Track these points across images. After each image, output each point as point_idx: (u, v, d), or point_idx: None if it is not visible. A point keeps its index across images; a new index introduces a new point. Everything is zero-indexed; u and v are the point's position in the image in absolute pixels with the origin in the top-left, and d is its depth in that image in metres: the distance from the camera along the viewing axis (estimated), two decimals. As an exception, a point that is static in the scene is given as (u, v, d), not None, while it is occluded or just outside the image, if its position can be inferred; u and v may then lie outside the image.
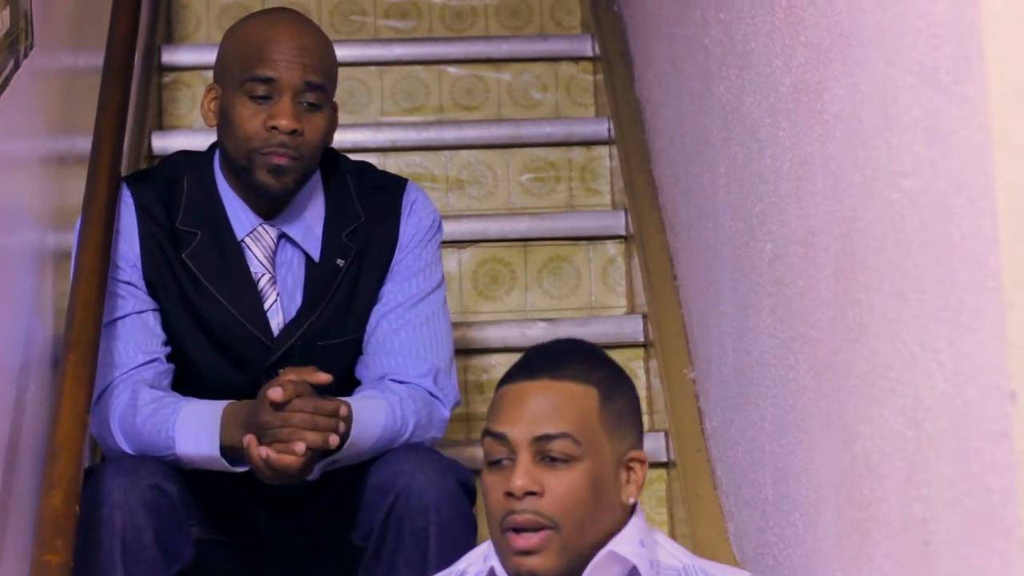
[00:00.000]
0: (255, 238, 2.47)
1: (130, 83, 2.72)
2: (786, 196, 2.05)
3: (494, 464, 1.90)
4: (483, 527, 2.46)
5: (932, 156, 1.48)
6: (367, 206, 2.52)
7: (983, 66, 1.35)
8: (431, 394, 2.45)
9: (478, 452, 2.81)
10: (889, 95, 1.59)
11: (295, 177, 2.42)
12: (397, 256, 2.51)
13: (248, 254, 2.47)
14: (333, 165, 2.55)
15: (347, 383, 2.46)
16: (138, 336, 2.42)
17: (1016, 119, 1.33)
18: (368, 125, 3.60)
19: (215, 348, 2.44)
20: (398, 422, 2.38)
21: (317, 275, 2.47)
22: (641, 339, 3.09)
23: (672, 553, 1.93)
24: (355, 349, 2.50)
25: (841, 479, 1.82)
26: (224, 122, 2.43)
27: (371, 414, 2.35)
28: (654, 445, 2.80)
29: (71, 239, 2.46)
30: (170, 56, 3.65)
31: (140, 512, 2.23)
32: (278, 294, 2.46)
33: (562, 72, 3.74)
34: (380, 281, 2.50)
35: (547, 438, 1.87)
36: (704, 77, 2.57)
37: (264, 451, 2.23)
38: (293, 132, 2.38)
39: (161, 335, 2.44)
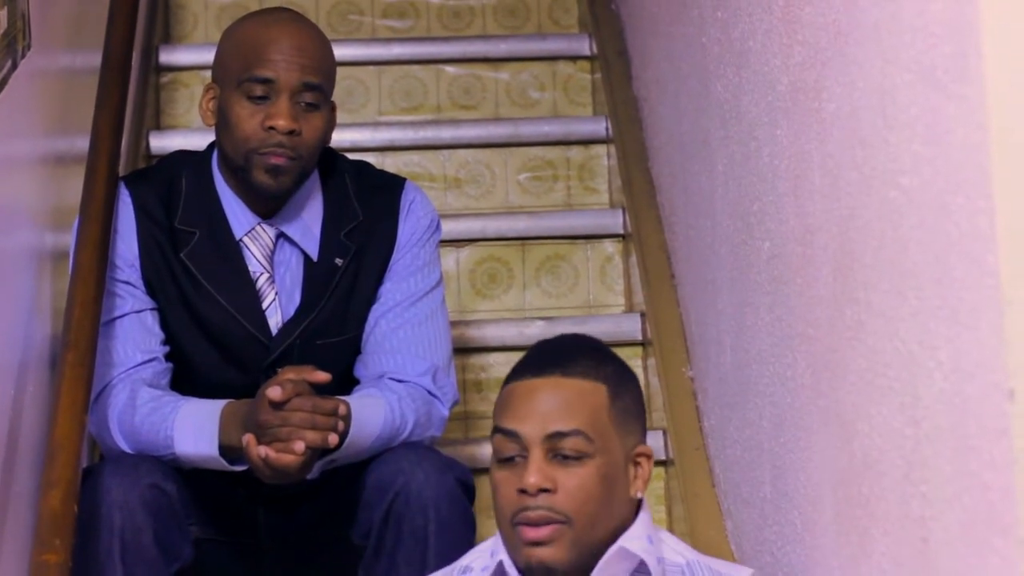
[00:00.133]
0: (253, 237, 2.47)
1: (128, 83, 2.72)
2: (784, 194, 2.05)
3: (505, 461, 1.91)
4: (482, 526, 2.46)
5: (930, 154, 1.48)
6: (365, 205, 2.52)
7: (981, 64, 1.35)
8: (430, 393, 2.45)
9: (477, 451, 2.83)
10: (887, 94, 1.59)
11: (293, 177, 2.42)
12: (395, 255, 2.51)
13: (246, 253, 2.47)
14: (331, 164, 2.55)
15: (346, 382, 2.46)
16: (136, 335, 2.42)
17: (1014, 117, 1.33)
18: (366, 124, 3.60)
19: (213, 347, 2.44)
20: (397, 421, 2.38)
21: (315, 274, 2.47)
22: (639, 338, 3.09)
23: (676, 549, 1.95)
24: (354, 348, 2.50)
25: (839, 477, 1.82)
26: (222, 122, 2.44)
27: (370, 413, 2.35)
28: (652, 444, 2.80)
29: (69, 239, 2.46)
30: (168, 56, 3.65)
31: (139, 511, 2.23)
32: (276, 293, 2.46)
33: (560, 71, 3.74)
34: (378, 280, 2.50)
35: (560, 435, 1.88)
36: (702, 76, 2.57)
37: (263, 450, 2.23)
38: (291, 132, 2.38)
39: (159, 334, 2.44)
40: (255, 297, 2.45)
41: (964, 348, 1.41)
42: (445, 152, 3.54)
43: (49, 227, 2.57)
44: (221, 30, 2.65)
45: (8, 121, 2.30)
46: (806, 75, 1.91)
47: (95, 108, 2.62)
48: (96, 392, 2.34)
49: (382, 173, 2.62)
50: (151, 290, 2.44)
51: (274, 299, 2.46)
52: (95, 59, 2.79)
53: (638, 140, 3.30)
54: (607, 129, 3.50)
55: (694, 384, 2.75)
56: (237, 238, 2.47)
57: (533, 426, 1.89)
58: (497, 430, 1.92)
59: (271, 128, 2.38)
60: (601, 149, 3.56)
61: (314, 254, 2.48)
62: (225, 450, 2.31)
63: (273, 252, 2.48)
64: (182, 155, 2.59)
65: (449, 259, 3.27)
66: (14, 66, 2.31)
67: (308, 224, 2.49)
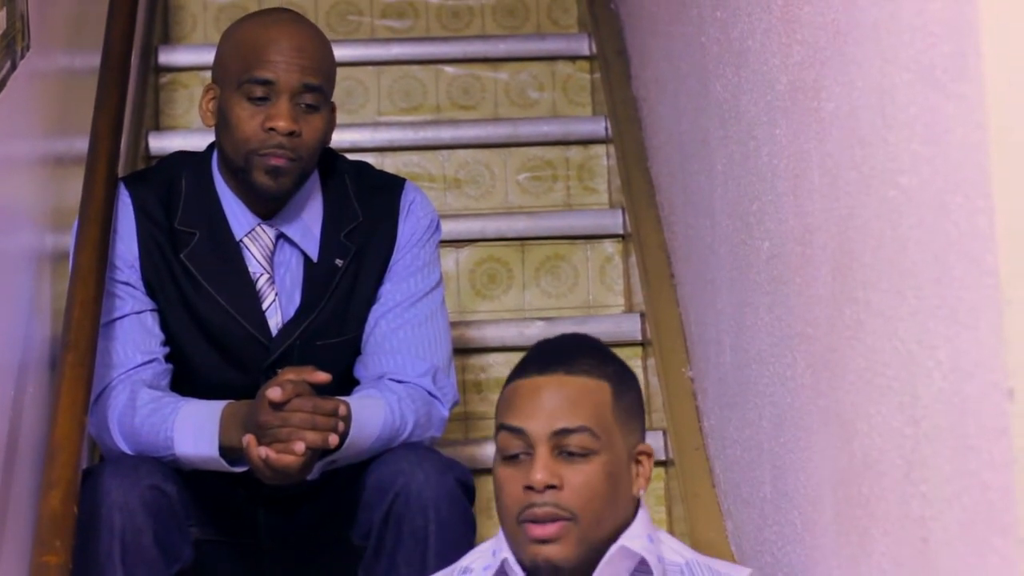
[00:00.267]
0: (253, 238, 2.47)
1: (127, 84, 2.72)
2: (783, 194, 2.05)
3: (510, 459, 1.91)
4: (483, 526, 2.46)
5: (929, 154, 1.48)
6: (365, 206, 2.52)
7: (980, 64, 1.35)
8: (430, 393, 2.45)
9: (477, 451, 2.83)
10: (886, 93, 1.59)
11: (293, 178, 2.42)
12: (395, 256, 2.51)
13: (246, 254, 2.47)
14: (331, 165, 2.55)
15: (346, 383, 2.46)
16: (136, 336, 2.42)
17: (1013, 116, 1.33)
18: (365, 125, 3.60)
19: (214, 348, 2.44)
20: (397, 421, 2.38)
21: (315, 275, 2.47)
22: (639, 338, 3.09)
23: (674, 549, 1.96)
24: (354, 349, 2.50)
25: (839, 477, 1.82)
26: (222, 123, 2.44)
27: (370, 413, 2.35)
28: (653, 444, 2.79)
29: (69, 240, 2.46)
30: (167, 57, 3.65)
31: (139, 513, 2.23)
32: (276, 294, 2.46)
33: (559, 71, 3.74)
34: (378, 281, 2.50)
35: (566, 432, 1.89)
36: (701, 75, 2.57)
37: (263, 451, 2.23)
38: (291, 134, 2.38)
39: (159, 335, 2.44)
40: (255, 298, 2.45)
41: (963, 347, 1.41)
42: (444, 152, 3.54)
43: (49, 228, 2.57)
44: (220, 31, 2.65)
45: (7, 122, 2.30)
46: (805, 74, 1.91)
47: (94, 109, 2.62)
48: (96, 393, 2.34)
49: (382, 174, 2.62)
50: (151, 291, 2.45)
51: (274, 300, 2.46)
52: (94, 60, 2.79)
53: (637, 140, 3.30)
54: (606, 129, 3.50)
55: (694, 384, 2.75)
56: (237, 239, 2.47)
57: (539, 423, 1.90)
58: (502, 427, 1.93)
59: (271, 129, 2.38)
60: (600, 149, 3.56)
61: (314, 255, 2.48)
62: (225, 451, 2.31)
63: (273, 253, 2.48)
64: (182, 156, 2.59)
65: (449, 259, 3.27)
66: (13, 67, 2.31)
67: (308, 225, 2.49)
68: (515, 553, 1.91)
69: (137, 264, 2.44)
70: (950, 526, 1.46)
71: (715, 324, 2.53)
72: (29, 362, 2.33)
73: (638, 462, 1.95)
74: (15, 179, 2.38)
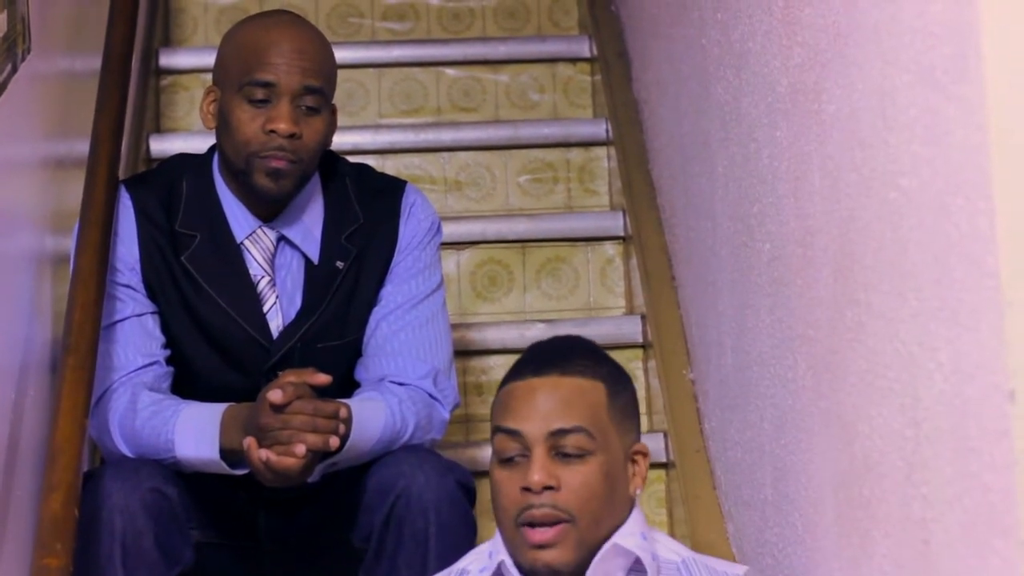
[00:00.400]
0: (254, 240, 2.47)
1: (128, 86, 2.72)
2: (784, 196, 2.05)
3: (506, 461, 1.91)
4: (483, 528, 2.46)
5: (930, 155, 1.48)
6: (366, 208, 2.52)
7: (981, 65, 1.35)
8: (431, 396, 2.45)
9: (478, 453, 2.83)
10: (887, 95, 1.59)
11: (293, 180, 2.42)
12: (396, 258, 2.51)
13: (247, 256, 2.47)
14: (332, 167, 2.55)
15: (346, 385, 2.46)
16: (137, 339, 2.42)
17: (1014, 118, 1.33)
18: (366, 127, 3.60)
19: (214, 351, 2.44)
20: (398, 424, 2.38)
21: (316, 277, 2.47)
22: (640, 340, 3.09)
23: (669, 547, 1.96)
24: (354, 351, 2.50)
25: (840, 479, 1.82)
26: (223, 125, 2.44)
27: (371, 416, 2.35)
28: (653, 446, 2.80)
29: (70, 242, 2.46)
30: (168, 59, 3.65)
31: (140, 515, 2.23)
32: (277, 296, 2.46)
33: (560, 73, 3.74)
34: (379, 283, 2.50)
35: (562, 432, 1.89)
36: (702, 77, 2.57)
37: (264, 453, 2.23)
38: (292, 136, 2.38)
39: (160, 338, 2.44)
40: (256, 300, 2.45)
41: (964, 349, 1.41)
42: (445, 154, 3.54)
43: (49, 231, 2.57)
44: (221, 33, 2.65)
45: (8, 124, 2.30)
46: (806, 76, 1.91)
47: (95, 111, 2.62)
48: (97, 396, 2.34)
49: (383, 176, 2.62)
50: (152, 293, 2.44)
51: (275, 302, 2.46)
52: (95, 62, 2.79)
53: (638, 142, 3.30)
54: (607, 131, 3.50)
55: (695, 386, 2.75)
56: (238, 241, 2.47)
57: (535, 424, 1.90)
58: (498, 430, 1.93)
59: (272, 131, 2.38)
60: (601, 151, 3.56)
61: (315, 257, 2.48)
62: (226, 453, 2.30)
63: (274, 255, 2.48)
64: (182, 158, 2.59)
65: (450, 262, 3.27)
66: (14, 69, 2.31)
67: (309, 227, 2.49)
68: (513, 556, 1.91)
69: (138, 267, 2.44)
70: (951, 528, 1.46)
71: (716, 326, 2.53)
72: (30, 365, 2.33)
73: (634, 462, 1.96)
74: (16, 182, 2.38)
